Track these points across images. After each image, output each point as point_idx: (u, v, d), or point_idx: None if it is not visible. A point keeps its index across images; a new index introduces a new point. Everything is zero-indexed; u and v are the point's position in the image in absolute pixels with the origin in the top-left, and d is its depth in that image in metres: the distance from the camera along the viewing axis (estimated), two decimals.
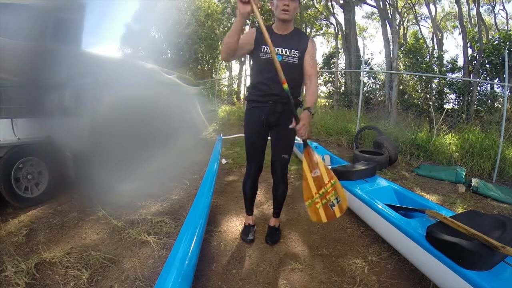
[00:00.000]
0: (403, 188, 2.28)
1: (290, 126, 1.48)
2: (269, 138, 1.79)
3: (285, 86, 1.42)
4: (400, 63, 9.66)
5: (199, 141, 4.92)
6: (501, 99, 7.19)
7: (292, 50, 1.57)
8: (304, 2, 12.19)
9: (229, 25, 12.47)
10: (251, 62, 1.71)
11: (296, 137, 1.63)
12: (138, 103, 2.84)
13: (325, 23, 15.51)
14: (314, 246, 1.86)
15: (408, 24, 15.59)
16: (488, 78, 8.05)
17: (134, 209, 2.22)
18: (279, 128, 1.68)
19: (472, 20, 10.50)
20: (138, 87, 3.04)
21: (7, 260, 1.53)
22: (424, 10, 15.50)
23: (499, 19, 14.09)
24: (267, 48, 1.56)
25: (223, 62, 15.82)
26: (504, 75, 3.95)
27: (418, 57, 9.17)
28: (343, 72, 10.39)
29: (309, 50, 1.59)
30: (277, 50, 1.56)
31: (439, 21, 14.83)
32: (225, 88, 13.25)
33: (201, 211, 1.56)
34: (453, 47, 30.67)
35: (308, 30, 14.92)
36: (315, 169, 1.52)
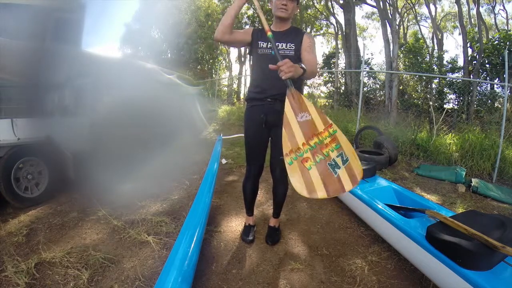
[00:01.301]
0: (403, 188, 2.28)
1: (270, 66, 1.22)
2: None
3: (269, 33, 1.38)
4: (400, 63, 9.66)
5: (199, 141, 4.93)
6: (501, 99, 7.19)
7: (288, 44, 1.58)
8: (304, 2, 12.19)
9: None
10: (251, 61, 1.71)
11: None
12: (138, 103, 2.84)
13: (325, 23, 15.51)
14: (314, 246, 1.86)
15: (408, 24, 15.59)
16: (488, 78, 8.05)
17: (134, 209, 2.22)
18: (278, 129, 1.67)
19: (472, 20, 10.50)
20: (138, 87, 3.04)
21: (7, 260, 1.53)
22: (424, 10, 15.52)
23: (499, 19, 14.10)
24: (263, 44, 1.58)
25: (223, 62, 15.82)
26: (504, 75, 3.95)
27: (418, 57, 9.17)
28: (343, 72, 10.39)
29: (305, 41, 1.59)
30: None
31: (439, 21, 14.82)
32: (225, 88, 13.25)
33: (201, 211, 1.56)
34: (453, 47, 30.69)
35: (308, 30, 14.91)
36: (303, 112, 1.10)
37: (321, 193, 0.94)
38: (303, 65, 1.37)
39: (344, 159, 0.97)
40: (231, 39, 1.55)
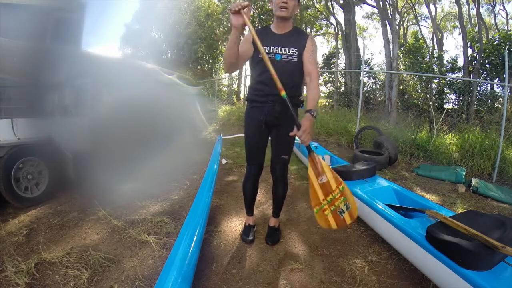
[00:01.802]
0: (403, 188, 2.28)
1: (291, 134, 1.43)
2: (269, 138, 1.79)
3: (283, 93, 1.43)
4: (400, 63, 9.66)
5: (199, 141, 4.92)
6: (501, 99, 7.19)
7: (291, 49, 1.56)
8: (304, 2, 12.19)
9: (229, 25, 12.48)
10: (250, 63, 1.70)
11: (296, 137, 1.61)
12: (138, 103, 2.84)
13: (325, 23, 15.51)
14: (314, 246, 1.86)
15: (408, 24, 15.60)
16: (488, 78, 8.06)
17: (134, 209, 2.22)
18: (278, 129, 1.68)
19: (472, 20, 10.50)
20: (138, 87, 3.04)
21: (7, 260, 1.53)
22: (424, 10, 15.55)
23: (499, 19, 14.11)
24: (265, 49, 1.55)
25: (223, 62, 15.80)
26: (504, 75, 3.95)
27: (418, 57, 9.18)
28: (343, 72, 10.40)
29: (308, 47, 1.57)
30: (276, 49, 1.56)
31: (439, 21, 14.83)
32: (225, 88, 13.24)
33: (201, 211, 1.56)
34: (453, 47, 30.67)
35: (308, 30, 14.91)
36: (322, 175, 1.48)
37: (333, 226, 1.45)
38: (312, 112, 1.45)
39: (348, 207, 1.44)
40: (239, 66, 1.61)
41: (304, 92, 1.96)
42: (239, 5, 1.35)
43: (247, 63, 1.73)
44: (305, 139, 1.41)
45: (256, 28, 1.65)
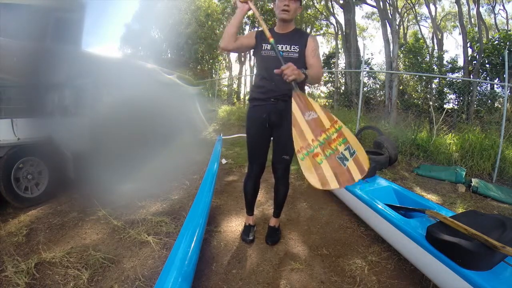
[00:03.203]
0: (403, 188, 2.28)
1: (276, 71, 1.27)
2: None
3: (271, 40, 1.41)
4: (400, 63, 9.66)
5: (199, 141, 4.92)
6: (501, 99, 7.19)
7: (293, 46, 1.59)
8: (304, 2, 12.18)
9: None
10: (255, 62, 1.72)
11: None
12: (138, 103, 2.84)
13: (325, 23, 15.52)
14: (314, 246, 1.86)
15: (408, 24, 15.59)
16: (488, 78, 8.05)
17: (134, 209, 2.22)
18: (281, 128, 1.68)
19: (472, 20, 10.50)
20: (138, 87, 3.04)
21: (7, 260, 1.53)
22: (424, 10, 15.54)
23: (499, 19, 14.10)
24: (267, 46, 1.59)
25: (223, 62, 15.82)
26: (504, 75, 3.94)
27: (418, 57, 9.17)
28: (343, 72, 10.39)
29: (310, 45, 1.60)
30: (278, 46, 1.58)
31: (439, 21, 14.82)
32: (225, 88, 13.25)
33: (201, 211, 1.56)
34: (453, 47, 30.68)
35: (308, 30, 14.91)
36: (309, 111, 1.16)
37: (333, 184, 1.01)
38: (305, 71, 1.40)
39: (351, 151, 1.04)
40: (236, 46, 1.59)
41: (304, 92, 1.95)
42: None
43: (247, 64, 1.75)
44: (289, 71, 1.26)
45: (259, 30, 1.69)
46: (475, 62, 8.19)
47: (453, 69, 9.24)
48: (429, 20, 14.38)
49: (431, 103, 7.42)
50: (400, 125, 5.48)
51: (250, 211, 1.97)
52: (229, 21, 1.53)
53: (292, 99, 1.26)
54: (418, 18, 14.41)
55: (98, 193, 2.28)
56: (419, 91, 9.79)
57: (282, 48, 1.58)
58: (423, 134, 4.67)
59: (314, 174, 1.02)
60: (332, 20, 13.80)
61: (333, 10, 13.25)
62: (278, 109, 1.62)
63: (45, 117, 2.33)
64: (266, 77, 1.61)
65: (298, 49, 1.59)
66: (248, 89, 13.44)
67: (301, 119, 1.14)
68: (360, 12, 21.55)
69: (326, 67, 12.00)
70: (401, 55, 9.84)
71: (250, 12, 1.62)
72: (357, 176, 1.03)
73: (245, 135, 1.81)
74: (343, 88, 10.48)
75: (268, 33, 1.42)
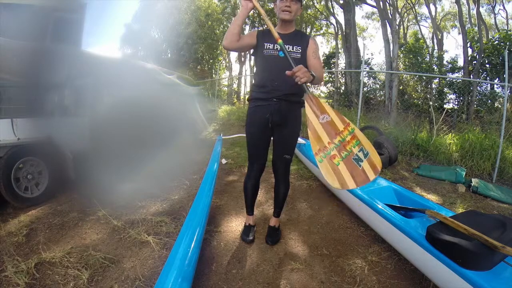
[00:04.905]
0: (403, 188, 2.28)
1: (287, 73, 1.30)
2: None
3: (280, 41, 1.41)
4: (400, 63, 9.65)
5: (199, 141, 4.92)
6: (501, 99, 7.18)
7: (295, 46, 1.60)
8: (304, 2, 12.19)
9: (229, 25, 12.49)
10: (255, 61, 1.72)
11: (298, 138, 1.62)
12: (138, 103, 2.84)
13: (325, 23, 15.52)
14: (314, 246, 1.86)
15: (408, 24, 15.60)
16: (488, 78, 8.05)
17: (134, 209, 2.22)
18: (281, 128, 1.68)
19: (472, 20, 10.50)
20: (138, 87, 3.05)
21: (7, 260, 1.53)
22: (424, 10, 15.52)
23: (499, 19, 14.10)
24: (270, 45, 1.60)
25: (223, 62, 15.82)
26: (504, 75, 3.94)
27: (418, 57, 9.16)
28: (343, 72, 10.39)
29: (311, 46, 1.62)
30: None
31: (439, 21, 14.83)
32: (225, 88, 13.25)
33: (201, 211, 1.56)
34: (453, 47, 30.67)
35: (308, 30, 14.92)
36: (323, 114, 1.20)
37: (351, 184, 1.06)
38: (312, 72, 1.42)
39: (365, 153, 1.09)
40: (239, 45, 1.59)
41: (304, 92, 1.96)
42: None
43: (247, 64, 1.75)
44: (300, 74, 1.30)
45: (260, 30, 1.70)
46: (475, 62, 8.19)
47: (453, 69, 9.24)
48: (429, 20, 14.40)
49: (431, 103, 7.42)
50: (400, 125, 5.48)
51: (250, 211, 1.97)
52: (230, 21, 1.53)
53: (305, 101, 1.30)
54: (418, 18, 14.42)
55: (98, 193, 2.28)
56: (419, 91, 9.79)
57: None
58: (423, 134, 4.67)
59: (333, 176, 1.05)
60: (332, 20, 13.82)
61: (333, 10, 13.26)
62: (280, 109, 1.62)
63: (45, 117, 2.33)
64: (268, 77, 1.61)
65: (300, 50, 1.60)
66: (248, 89, 13.45)
67: (316, 122, 1.17)
68: (360, 12, 21.58)
69: (326, 67, 12.00)
70: (401, 55, 9.83)
71: (250, 12, 1.62)
72: (372, 176, 1.08)
73: (245, 135, 1.81)
74: (343, 88, 10.48)
75: (276, 34, 1.43)
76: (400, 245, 1.62)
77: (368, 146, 1.12)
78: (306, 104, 1.30)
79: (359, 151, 1.08)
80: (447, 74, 9.05)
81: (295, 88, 1.56)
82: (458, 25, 10.30)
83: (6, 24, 2.17)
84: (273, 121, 1.65)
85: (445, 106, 7.96)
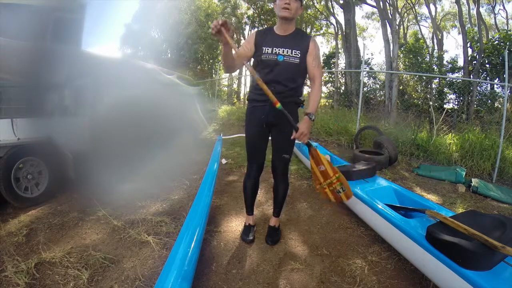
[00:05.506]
0: (403, 188, 2.28)
1: (292, 137, 1.56)
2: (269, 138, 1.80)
3: (278, 105, 1.49)
4: (400, 63, 9.65)
5: (199, 141, 4.92)
6: (501, 99, 7.18)
7: (294, 50, 1.58)
8: (304, 2, 12.18)
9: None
10: (254, 63, 1.71)
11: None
12: (138, 103, 2.84)
13: (325, 23, 15.51)
14: (314, 246, 1.86)
15: (408, 24, 15.60)
16: (488, 78, 8.05)
17: (134, 209, 2.22)
18: (279, 128, 1.69)
19: (472, 20, 10.49)
20: (138, 87, 3.04)
21: (7, 260, 1.53)
22: (424, 10, 15.52)
23: (499, 19, 14.10)
24: (268, 49, 1.59)
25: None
26: (504, 75, 3.94)
27: (418, 57, 9.16)
28: (343, 72, 10.39)
29: (311, 51, 1.60)
30: (278, 50, 1.58)
31: (439, 21, 14.83)
32: (225, 88, 13.23)
33: (201, 211, 1.56)
34: (453, 47, 30.65)
35: (308, 30, 14.91)
36: (320, 165, 1.70)
37: (332, 199, 1.75)
38: (311, 115, 1.56)
39: (343, 189, 1.71)
40: (240, 64, 1.65)
41: (305, 92, 1.97)
42: (217, 25, 1.32)
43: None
44: (304, 138, 1.54)
45: (259, 30, 1.69)
46: (475, 62, 8.19)
47: (453, 69, 9.24)
48: (429, 20, 14.40)
49: (431, 103, 7.41)
50: (400, 125, 5.48)
51: (250, 211, 1.97)
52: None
53: (310, 155, 1.72)
54: (418, 18, 14.42)
55: (98, 193, 2.28)
56: (419, 91, 9.78)
57: (282, 52, 1.57)
58: (423, 134, 4.67)
59: (324, 195, 1.75)
60: (332, 20, 13.82)
61: (333, 10, 13.25)
62: (276, 110, 1.62)
63: (45, 117, 2.33)
64: (265, 80, 1.59)
65: (299, 54, 1.58)
66: (248, 89, 13.42)
67: (316, 169, 1.72)
68: (360, 12, 21.60)
69: (326, 67, 12.00)
70: (401, 55, 9.83)
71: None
72: (344, 199, 1.73)
73: (244, 135, 1.81)
74: (343, 88, 10.48)
75: (274, 98, 1.48)
76: (400, 245, 1.62)
77: (346, 185, 1.71)
78: (310, 158, 1.72)
79: (340, 188, 1.71)
80: (447, 74, 9.06)
81: (292, 92, 1.62)
82: (458, 25, 10.31)
83: (6, 24, 2.17)
84: (268, 122, 1.67)
85: (445, 106, 7.96)
